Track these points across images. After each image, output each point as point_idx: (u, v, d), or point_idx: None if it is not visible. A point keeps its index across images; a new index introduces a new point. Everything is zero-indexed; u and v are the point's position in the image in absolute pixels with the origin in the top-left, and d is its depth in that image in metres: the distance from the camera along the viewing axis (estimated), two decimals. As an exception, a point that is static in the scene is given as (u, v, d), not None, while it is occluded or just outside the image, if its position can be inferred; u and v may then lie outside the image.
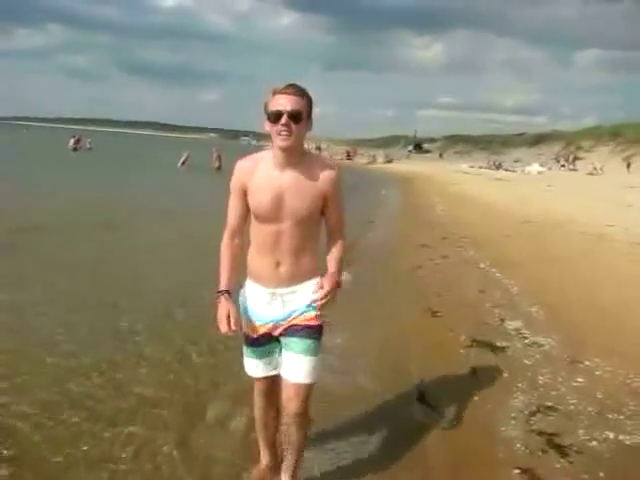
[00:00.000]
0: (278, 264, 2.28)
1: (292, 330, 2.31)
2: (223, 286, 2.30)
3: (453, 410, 3.40)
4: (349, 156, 63.96)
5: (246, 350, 2.45)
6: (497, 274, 7.15)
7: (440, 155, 76.39)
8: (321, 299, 2.28)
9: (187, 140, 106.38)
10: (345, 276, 6.16)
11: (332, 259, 2.37)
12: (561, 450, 2.98)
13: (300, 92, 2.16)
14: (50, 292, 5.57)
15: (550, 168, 43.65)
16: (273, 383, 2.44)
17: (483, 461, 2.92)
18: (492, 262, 7.79)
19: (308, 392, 2.32)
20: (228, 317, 2.20)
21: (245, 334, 2.41)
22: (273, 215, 2.23)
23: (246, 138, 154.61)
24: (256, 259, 2.34)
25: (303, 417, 2.34)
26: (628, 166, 37.84)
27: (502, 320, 5.22)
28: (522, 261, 7.95)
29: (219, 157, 28.53)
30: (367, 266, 7.54)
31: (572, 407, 3.49)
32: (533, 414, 3.37)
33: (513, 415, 3.36)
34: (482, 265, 7.72)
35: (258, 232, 2.31)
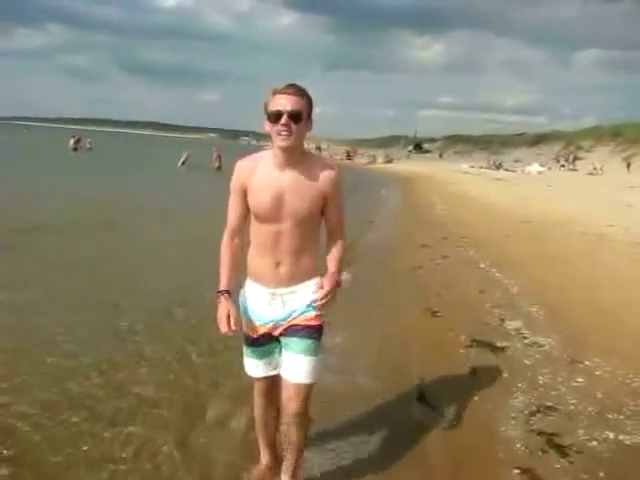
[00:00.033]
0: (278, 264, 2.28)
1: (292, 330, 2.31)
2: (223, 286, 2.30)
3: (453, 410, 3.40)
4: (349, 156, 63.96)
5: (246, 350, 2.45)
6: (497, 274, 7.16)
7: (440, 155, 76.39)
8: (321, 299, 2.28)
9: (187, 140, 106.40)
10: (345, 276, 6.19)
11: (332, 259, 2.37)
12: (561, 450, 2.99)
13: (300, 92, 2.16)
14: (50, 292, 5.57)
15: (550, 168, 43.65)
16: (273, 383, 2.44)
17: (483, 461, 2.92)
18: (492, 262, 7.79)
19: (308, 392, 2.32)
20: (228, 317, 2.20)
21: (245, 334, 2.41)
22: (273, 215, 2.23)
23: (246, 138, 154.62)
24: (256, 259, 2.33)
25: (303, 417, 2.34)
26: (628, 166, 37.85)
27: (502, 320, 5.22)
28: (522, 261, 7.95)
29: (219, 157, 28.53)
30: (367, 266, 7.54)
31: (572, 407, 3.49)
32: (533, 414, 3.37)
33: (513, 415, 3.36)
34: (482, 265, 7.72)
35: (258, 232, 2.31)
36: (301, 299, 2.31)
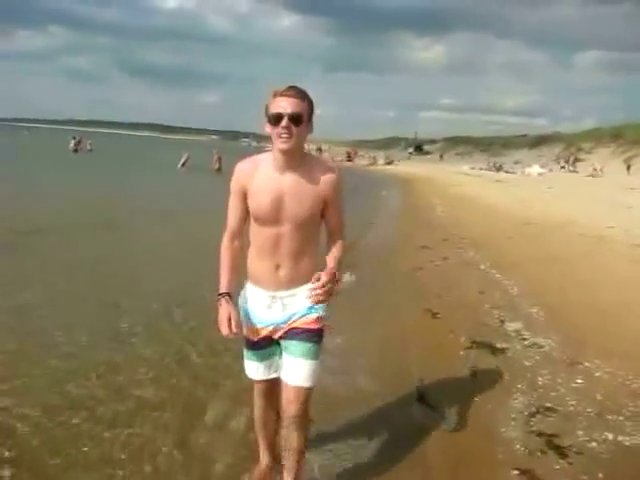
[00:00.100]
0: (278, 267, 2.28)
1: (292, 333, 2.31)
2: (223, 288, 2.30)
3: (453, 411, 3.40)
4: (349, 157, 63.95)
5: (246, 353, 2.45)
6: (497, 275, 7.16)
7: (441, 157, 76.39)
8: (316, 288, 2.19)
9: (187, 142, 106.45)
10: (348, 277, 6.21)
11: (331, 257, 2.34)
12: (560, 451, 2.99)
13: (301, 94, 2.16)
14: (50, 292, 5.57)
15: (550, 170, 43.65)
16: (273, 385, 2.44)
17: (483, 462, 2.92)
18: (492, 263, 7.79)
19: (308, 395, 2.32)
20: (229, 320, 2.20)
21: (245, 337, 2.41)
22: (273, 218, 2.22)
23: (246, 140, 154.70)
24: (256, 262, 2.33)
25: (303, 419, 2.33)
26: (628, 168, 37.84)
27: (502, 321, 5.22)
28: (522, 262, 7.95)
29: (219, 159, 28.53)
30: (368, 267, 7.54)
31: (572, 408, 3.49)
32: (533, 415, 3.37)
33: (513, 416, 3.36)
34: (482, 266, 7.72)
35: (258, 234, 2.30)
36: (301, 302, 2.30)
